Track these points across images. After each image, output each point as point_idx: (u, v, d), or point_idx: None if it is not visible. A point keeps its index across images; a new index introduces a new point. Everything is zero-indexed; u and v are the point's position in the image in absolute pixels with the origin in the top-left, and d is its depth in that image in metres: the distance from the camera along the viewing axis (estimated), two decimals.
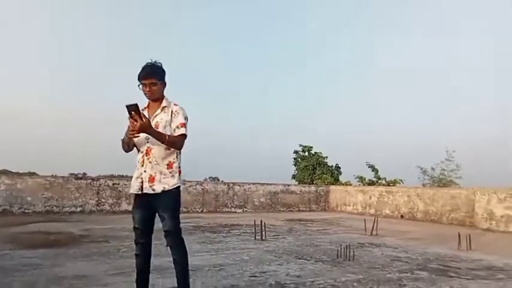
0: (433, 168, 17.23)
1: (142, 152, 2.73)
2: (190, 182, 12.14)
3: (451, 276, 3.93)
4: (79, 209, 10.28)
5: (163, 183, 2.70)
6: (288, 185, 14.42)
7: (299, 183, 18.84)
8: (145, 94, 2.76)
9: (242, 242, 5.98)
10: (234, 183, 12.95)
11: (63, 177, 10.73)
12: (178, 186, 2.76)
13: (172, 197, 2.75)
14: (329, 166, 20.79)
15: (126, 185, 11.04)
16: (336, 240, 6.24)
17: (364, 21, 39.67)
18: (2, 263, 4.05)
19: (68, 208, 10.15)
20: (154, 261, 4.21)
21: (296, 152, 21.68)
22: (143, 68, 2.73)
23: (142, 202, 2.75)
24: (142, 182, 2.69)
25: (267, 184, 13.62)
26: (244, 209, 12.77)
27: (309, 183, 18.41)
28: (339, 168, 20.99)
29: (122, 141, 2.75)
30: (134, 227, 2.80)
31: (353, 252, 4.84)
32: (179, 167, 2.79)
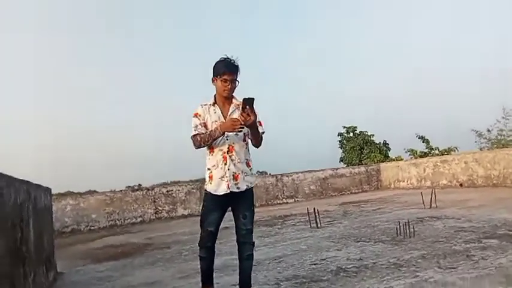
0: (489, 130, 16.21)
1: (222, 150, 2.70)
2: None
3: None
4: (139, 219, 10.79)
5: (246, 181, 2.74)
6: (337, 169, 14.21)
7: (348, 166, 18.50)
8: (222, 90, 2.71)
9: (298, 231, 6.00)
10: (282, 175, 12.97)
11: (121, 190, 11.30)
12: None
13: (252, 196, 2.83)
14: (376, 144, 20.21)
15: (179, 190, 11.44)
16: (393, 218, 6.08)
17: None
18: (77, 278, 4.37)
19: (129, 220, 10.69)
20: (215, 261, 4.34)
21: (340, 134, 21.30)
22: (228, 64, 2.67)
23: (219, 203, 2.73)
24: (228, 181, 2.67)
25: (315, 171, 13.50)
26: (296, 199, 12.77)
27: (358, 164, 18.03)
28: (387, 144, 20.37)
29: (198, 137, 2.67)
30: (206, 230, 2.72)
31: (413, 228, 4.69)
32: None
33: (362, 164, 17.36)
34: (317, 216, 6.31)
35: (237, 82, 2.73)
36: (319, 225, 6.21)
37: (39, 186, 3.81)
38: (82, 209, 10.29)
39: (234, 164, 2.69)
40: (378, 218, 6.55)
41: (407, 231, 4.63)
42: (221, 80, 2.68)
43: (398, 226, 4.85)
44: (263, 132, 2.78)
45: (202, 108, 2.78)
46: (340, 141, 21.35)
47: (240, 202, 2.74)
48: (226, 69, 2.66)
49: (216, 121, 2.72)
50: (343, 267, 3.50)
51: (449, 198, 8.19)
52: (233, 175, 2.68)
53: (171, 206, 11.24)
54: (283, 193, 12.77)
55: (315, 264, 3.73)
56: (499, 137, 15.88)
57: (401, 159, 16.91)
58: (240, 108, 2.69)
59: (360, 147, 20.06)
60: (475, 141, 16.57)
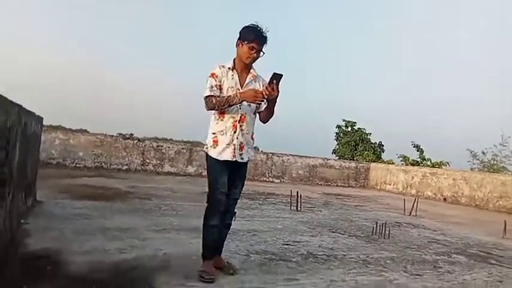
0: (484, 153, 16.35)
1: (233, 118, 2.63)
2: None
3: (491, 264, 3.80)
4: (125, 167, 10.84)
5: (248, 154, 2.73)
6: (328, 159, 14.28)
7: (339, 159, 18.61)
8: (246, 57, 2.62)
9: (277, 211, 6.07)
10: (273, 154, 13.02)
11: (112, 136, 11.27)
12: None
13: (247, 168, 2.82)
14: (372, 143, 20.30)
15: (169, 147, 11.45)
16: (372, 217, 6.17)
17: None
18: (55, 209, 4.41)
19: (115, 166, 10.73)
20: (192, 222, 4.39)
21: (339, 126, 21.30)
22: (259, 32, 2.57)
23: (226, 168, 2.65)
24: (235, 150, 2.62)
25: (306, 157, 13.56)
26: (282, 180, 12.87)
27: (350, 159, 18.13)
28: (382, 145, 20.47)
29: (213, 99, 2.55)
30: (221, 192, 2.62)
31: (389, 231, 4.77)
32: None
33: (353, 160, 17.47)
34: (299, 200, 6.39)
35: (261, 53, 2.63)
36: (299, 209, 6.29)
37: (30, 112, 3.77)
38: (71, 145, 10.28)
39: (242, 134, 2.65)
40: (357, 214, 6.65)
41: (383, 232, 4.71)
42: (248, 47, 2.58)
43: (375, 225, 4.93)
44: None
45: (220, 70, 2.65)
46: (336, 134, 21.38)
47: (236, 172, 2.71)
48: (257, 37, 2.56)
49: (232, 87, 2.63)
50: (314, 253, 3.57)
51: (430, 210, 8.31)
52: (240, 145, 2.64)
53: (158, 161, 11.28)
54: (271, 172, 12.86)
55: (287, 245, 3.79)
56: (492, 162, 16.02)
57: (393, 163, 17.03)
58: (256, 80, 2.71)
59: (355, 143, 20.13)
60: (468, 161, 16.74)
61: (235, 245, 3.56)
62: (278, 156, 13.04)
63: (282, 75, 2.45)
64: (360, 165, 14.76)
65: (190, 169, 11.53)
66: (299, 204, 6.36)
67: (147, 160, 11.17)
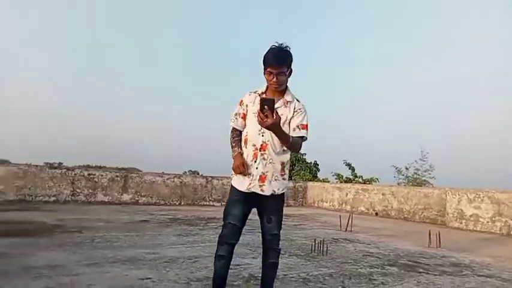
0: (406, 168, 17.68)
1: (254, 146, 2.44)
2: (168, 174, 12.05)
3: (419, 272, 4.07)
4: (53, 198, 10.06)
5: (273, 186, 2.48)
6: None
7: None
8: (269, 84, 2.47)
9: (218, 235, 5.97)
10: (212, 177, 12.91)
11: (37, 166, 10.46)
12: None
13: (281, 199, 2.60)
14: (308, 163, 21.06)
15: (102, 175, 10.87)
16: (311, 235, 6.33)
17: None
18: None
19: (41, 197, 9.91)
20: (127, 253, 4.20)
21: None
22: (274, 54, 2.39)
23: (244, 197, 2.49)
24: (252, 181, 2.44)
25: None
26: (222, 203, 12.75)
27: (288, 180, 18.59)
28: (317, 165, 21.33)
29: (231, 135, 2.59)
30: (228, 224, 2.50)
31: (327, 247, 4.93)
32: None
33: (291, 180, 17.91)
34: None
35: (285, 74, 2.43)
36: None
37: None
38: None
39: (265, 164, 2.43)
40: (296, 233, 6.78)
41: (321, 249, 4.85)
42: (266, 73, 2.43)
43: (313, 243, 5.06)
44: (303, 137, 2.50)
45: (249, 96, 2.53)
46: None
47: (266, 205, 2.53)
48: (271, 61, 2.38)
49: (254, 113, 2.40)
50: (256, 275, 3.56)
51: (364, 224, 8.73)
52: (260, 175, 2.44)
53: (90, 191, 10.63)
54: (211, 195, 12.72)
55: (229, 269, 3.74)
56: (415, 176, 17.35)
57: (328, 181, 17.74)
58: (288, 105, 2.49)
59: (292, 164, 20.73)
60: (394, 176, 17.98)
61: (175, 274, 3.44)
62: (218, 179, 12.96)
63: (272, 100, 2.25)
64: (298, 184, 15.17)
65: (126, 197, 11.01)
66: None
67: (78, 190, 10.48)
